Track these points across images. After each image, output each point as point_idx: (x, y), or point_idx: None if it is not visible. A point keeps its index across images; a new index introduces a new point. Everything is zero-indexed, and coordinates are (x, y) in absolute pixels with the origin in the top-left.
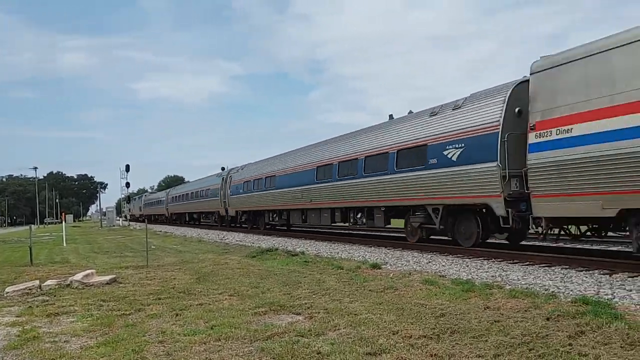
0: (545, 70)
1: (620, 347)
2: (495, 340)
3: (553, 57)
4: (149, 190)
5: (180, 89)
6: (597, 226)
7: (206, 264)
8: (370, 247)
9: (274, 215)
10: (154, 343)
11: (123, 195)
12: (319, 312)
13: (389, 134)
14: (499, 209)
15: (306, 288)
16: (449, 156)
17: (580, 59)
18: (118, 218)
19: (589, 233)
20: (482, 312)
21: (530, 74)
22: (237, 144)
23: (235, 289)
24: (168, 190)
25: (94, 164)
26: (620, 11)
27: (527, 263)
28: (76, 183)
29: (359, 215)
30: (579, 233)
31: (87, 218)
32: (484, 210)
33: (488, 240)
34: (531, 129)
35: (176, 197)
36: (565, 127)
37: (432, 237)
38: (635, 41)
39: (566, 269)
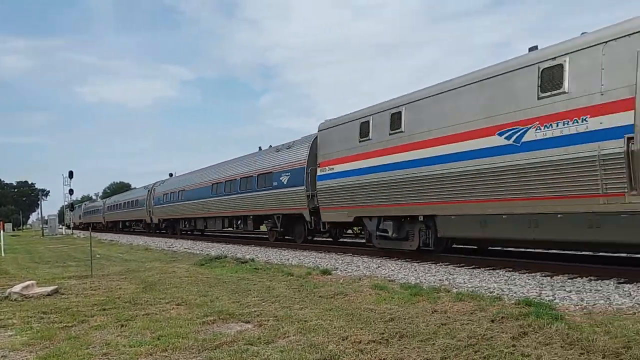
0: (324, 130)
1: (561, 347)
2: (442, 343)
3: (327, 122)
4: (94, 197)
5: (127, 93)
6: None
7: (153, 273)
8: (321, 252)
9: (186, 223)
10: (98, 355)
11: (66, 203)
12: (268, 320)
13: (254, 162)
14: (307, 217)
15: (256, 295)
16: (283, 181)
17: (338, 125)
18: (61, 226)
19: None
20: (429, 315)
21: (318, 131)
22: (186, 150)
23: (183, 297)
24: (105, 200)
25: (35, 170)
26: (560, 22)
27: (473, 266)
28: (15, 190)
29: (239, 222)
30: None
31: (28, 227)
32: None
33: (316, 238)
34: (318, 166)
35: (111, 206)
36: (332, 166)
37: (286, 237)
38: (353, 120)
39: (510, 271)
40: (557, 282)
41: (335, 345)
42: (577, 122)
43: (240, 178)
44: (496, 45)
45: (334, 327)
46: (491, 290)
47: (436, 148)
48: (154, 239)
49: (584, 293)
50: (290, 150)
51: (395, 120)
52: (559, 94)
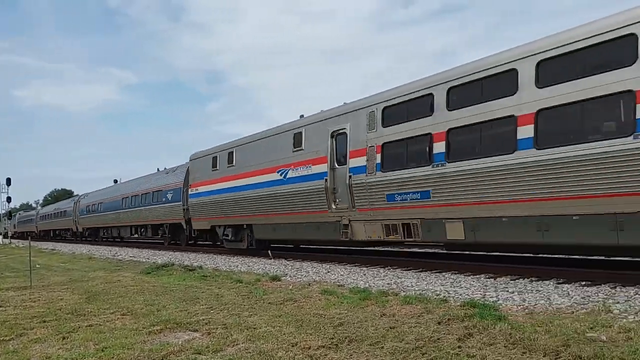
0: (194, 159)
1: (504, 346)
2: (391, 347)
3: (197, 153)
4: (34, 205)
5: (70, 97)
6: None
7: (97, 282)
8: (270, 259)
9: (104, 231)
10: None
11: (3, 211)
12: (217, 328)
13: (152, 181)
14: (184, 226)
15: (204, 304)
16: (169, 197)
17: (201, 157)
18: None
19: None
20: (378, 319)
21: (189, 160)
22: (130, 155)
23: (128, 307)
24: (37, 209)
25: None
26: (502, 32)
27: (420, 270)
28: None
29: (142, 230)
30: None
31: None
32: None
33: (199, 242)
34: (189, 187)
35: (43, 216)
36: (197, 188)
37: (174, 241)
38: (209, 155)
39: (456, 274)
40: (501, 284)
41: (284, 352)
42: (309, 167)
43: (142, 194)
44: (442, 53)
45: (284, 334)
46: (438, 292)
47: (250, 178)
48: (97, 247)
49: (526, 294)
50: (174, 174)
51: (230, 157)
52: (300, 150)
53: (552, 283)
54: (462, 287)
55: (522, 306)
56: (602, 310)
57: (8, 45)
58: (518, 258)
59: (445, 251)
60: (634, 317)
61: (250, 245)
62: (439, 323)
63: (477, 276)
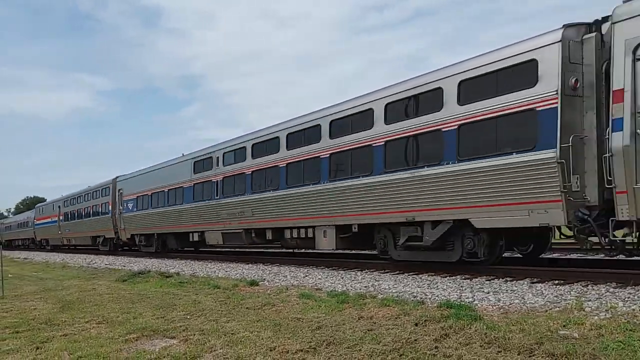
0: (120, 181)
1: (480, 346)
2: (369, 349)
3: (124, 175)
4: (5, 213)
5: (40, 103)
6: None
7: (71, 291)
8: (248, 264)
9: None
10: None
11: None
12: (194, 334)
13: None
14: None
15: (181, 310)
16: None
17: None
18: None
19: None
20: (356, 322)
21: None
22: (104, 162)
23: (103, 315)
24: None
25: None
26: (473, 35)
27: (397, 272)
28: None
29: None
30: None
31: None
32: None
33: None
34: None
35: (6, 227)
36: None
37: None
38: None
39: (432, 275)
40: (476, 284)
41: (262, 357)
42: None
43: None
44: (412, 57)
45: (262, 338)
46: (415, 294)
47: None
48: (72, 255)
49: (501, 293)
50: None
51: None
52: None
53: (526, 282)
54: (438, 289)
55: (497, 306)
56: (575, 309)
57: None
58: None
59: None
60: (605, 315)
61: (157, 249)
62: (416, 324)
63: (454, 277)
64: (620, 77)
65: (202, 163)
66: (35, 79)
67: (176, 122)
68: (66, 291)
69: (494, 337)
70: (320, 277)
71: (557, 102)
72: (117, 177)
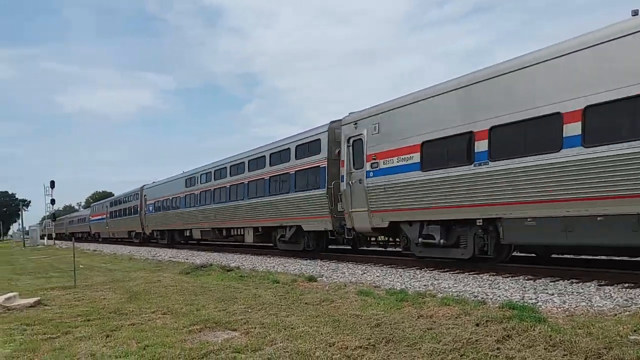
0: (145, 189)
1: (544, 349)
2: (429, 348)
3: (147, 185)
4: (76, 207)
5: (108, 102)
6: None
7: (138, 282)
8: (306, 260)
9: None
10: None
11: (48, 213)
12: (255, 327)
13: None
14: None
15: (242, 303)
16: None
17: (152, 187)
18: (43, 236)
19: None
20: (415, 320)
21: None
22: (167, 159)
23: (168, 307)
24: (65, 216)
25: (15, 180)
26: (537, 28)
27: (457, 271)
28: None
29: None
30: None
31: (9, 238)
32: None
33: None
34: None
35: (69, 221)
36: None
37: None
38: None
39: (493, 275)
40: (540, 285)
41: (322, 352)
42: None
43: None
44: (474, 52)
45: (321, 334)
46: (475, 294)
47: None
48: (138, 248)
49: (566, 295)
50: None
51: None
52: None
53: (593, 285)
54: (500, 289)
55: (562, 308)
56: None
57: (49, 52)
58: (557, 260)
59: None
60: None
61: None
62: (477, 325)
63: (516, 278)
64: (344, 154)
65: (190, 180)
66: (103, 78)
67: (237, 119)
68: (133, 282)
69: (559, 340)
70: (378, 274)
71: (326, 163)
72: (143, 186)
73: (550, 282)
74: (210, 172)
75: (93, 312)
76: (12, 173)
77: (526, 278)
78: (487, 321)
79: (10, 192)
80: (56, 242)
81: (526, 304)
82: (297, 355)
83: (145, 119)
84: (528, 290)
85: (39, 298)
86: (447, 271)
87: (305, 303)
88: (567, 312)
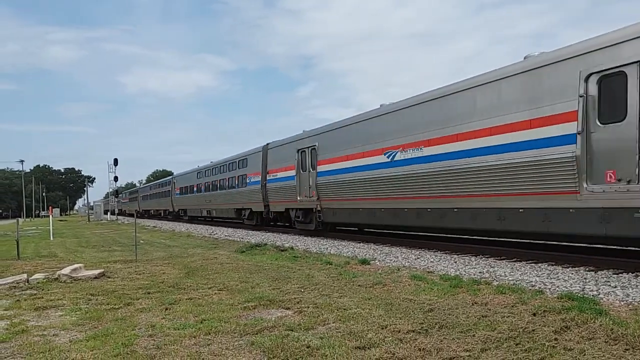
0: (174, 177)
1: (605, 342)
2: (483, 335)
3: (176, 174)
4: (137, 185)
5: (169, 82)
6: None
7: (195, 259)
8: (360, 243)
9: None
10: (144, 337)
11: (111, 189)
12: (308, 307)
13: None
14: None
15: (295, 283)
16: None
17: (179, 176)
18: (107, 211)
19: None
20: (469, 307)
21: (174, 178)
22: (223, 139)
23: (224, 283)
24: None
25: (80, 157)
26: (605, 10)
27: (515, 259)
28: (63, 177)
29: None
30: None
31: (74, 212)
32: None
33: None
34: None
35: (125, 200)
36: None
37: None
38: (190, 172)
39: (552, 265)
40: (602, 277)
41: (374, 334)
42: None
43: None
44: (538, 35)
45: (373, 316)
46: (533, 283)
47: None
48: (195, 226)
49: (630, 289)
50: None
51: (184, 179)
52: (197, 179)
53: None
54: (559, 279)
55: (625, 302)
56: None
57: (114, 34)
58: (621, 251)
59: (541, 241)
60: None
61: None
62: (533, 314)
63: (576, 268)
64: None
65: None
66: (165, 60)
67: (293, 101)
68: (190, 258)
69: (621, 334)
70: (432, 259)
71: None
72: (174, 175)
73: (613, 274)
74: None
75: (153, 286)
76: (78, 150)
77: (587, 269)
78: (544, 311)
79: (76, 169)
80: (119, 217)
81: (586, 296)
82: (350, 336)
83: (204, 99)
84: (589, 281)
85: (102, 270)
86: (503, 259)
87: (358, 285)
88: (630, 306)
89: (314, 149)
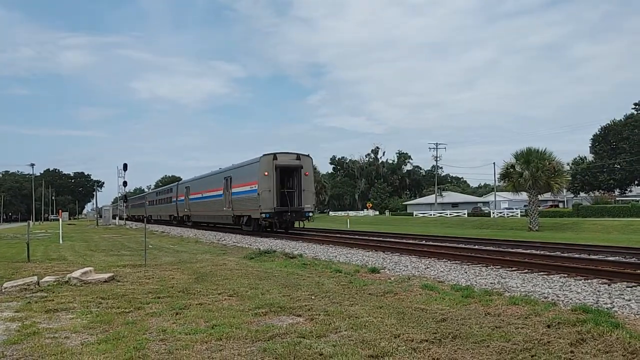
0: (180, 183)
1: (622, 355)
2: (497, 346)
3: (182, 181)
4: (146, 190)
5: (179, 89)
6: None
7: (204, 265)
8: (368, 251)
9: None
10: (155, 341)
11: (120, 194)
12: (319, 315)
13: (166, 194)
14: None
15: (305, 290)
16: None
17: (182, 183)
18: (115, 216)
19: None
20: (482, 317)
21: (176, 185)
22: (233, 146)
23: (234, 289)
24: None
25: (90, 161)
26: (621, 21)
27: (526, 271)
28: (72, 181)
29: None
30: None
31: (83, 216)
32: None
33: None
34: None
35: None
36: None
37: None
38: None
39: (565, 277)
40: (615, 290)
41: (387, 343)
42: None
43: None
44: (551, 46)
45: (385, 325)
46: (545, 295)
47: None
48: (203, 232)
49: None
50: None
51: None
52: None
53: None
54: (572, 291)
55: None
56: None
57: (126, 40)
58: (635, 264)
59: (551, 253)
60: None
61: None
62: (548, 326)
63: (589, 281)
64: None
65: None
66: (176, 66)
67: (303, 109)
68: (199, 264)
69: (639, 347)
70: (442, 269)
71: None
72: (177, 183)
73: (627, 287)
74: (171, 188)
75: (163, 290)
76: (88, 155)
77: (600, 282)
78: (559, 323)
79: (85, 173)
80: (127, 222)
81: (601, 309)
82: (362, 344)
83: (215, 106)
84: (602, 294)
85: (112, 274)
86: (514, 270)
87: (369, 294)
88: None
89: (229, 178)
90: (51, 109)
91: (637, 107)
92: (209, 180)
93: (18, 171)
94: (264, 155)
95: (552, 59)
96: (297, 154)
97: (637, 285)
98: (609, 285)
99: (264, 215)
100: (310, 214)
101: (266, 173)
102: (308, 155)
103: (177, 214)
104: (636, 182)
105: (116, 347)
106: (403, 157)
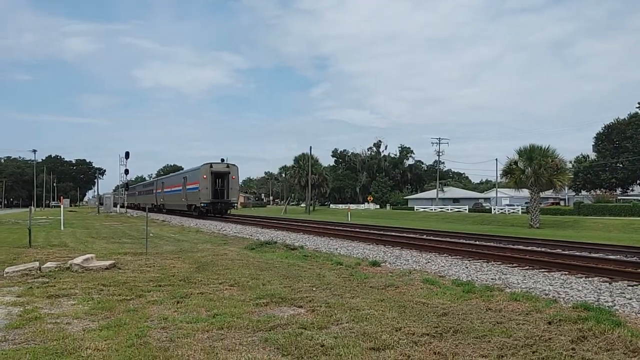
0: (156, 179)
1: (624, 353)
2: (499, 341)
3: (161, 177)
4: (147, 178)
5: (182, 78)
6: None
7: (205, 254)
8: (370, 244)
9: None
10: (157, 329)
11: (121, 182)
12: (320, 306)
13: (150, 187)
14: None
15: (306, 282)
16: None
17: (163, 178)
18: (116, 204)
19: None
20: (484, 313)
21: (156, 180)
22: (235, 136)
23: (235, 279)
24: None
25: (92, 149)
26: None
27: (527, 267)
28: (74, 168)
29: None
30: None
31: (84, 203)
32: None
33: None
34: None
35: (129, 194)
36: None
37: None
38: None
39: (566, 275)
40: (617, 289)
41: (388, 336)
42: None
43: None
44: (557, 43)
45: (387, 318)
46: (546, 292)
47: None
48: (204, 222)
49: None
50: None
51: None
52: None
53: None
54: (572, 289)
55: None
56: None
57: (129, 28)
58: (636, 263)
59: (553, 251)
60: None
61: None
62: (549, 323)
63: (590, 279)
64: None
65: (166, 180)
66: (179, 56)
67: (305, 101)
68: (200, 254)
69: None
70: (443, 264)
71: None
72: (158, 177)
73: (628, 286)
74: (155, 182)
75: (164, 279)
76: (90, 142)
77: (601, 280)
78: (560, 320)
79: (87, 160)
80: (128, 210)
81: (602, 307)
82: (364, 337)
83: (218, 96)
84: (603, 292)
85: (113, 261)
86: (515, 266)
87: (370, 287)
88: None
89: (185, 178)
90: (53, 96)
91: None
92: (175, 179)
93: (20, 157)
94: (204, 164)
95: (556, 56)
96: (227, 163)
97: (638, 284)
98: (610, 283)
99: (203, 204)
100: (235, 204)
101: (205, 176)
102: (235, 165)
103: (156, 202)
104: (638, 182)
105: (118, 334)
106: (405, 151)
